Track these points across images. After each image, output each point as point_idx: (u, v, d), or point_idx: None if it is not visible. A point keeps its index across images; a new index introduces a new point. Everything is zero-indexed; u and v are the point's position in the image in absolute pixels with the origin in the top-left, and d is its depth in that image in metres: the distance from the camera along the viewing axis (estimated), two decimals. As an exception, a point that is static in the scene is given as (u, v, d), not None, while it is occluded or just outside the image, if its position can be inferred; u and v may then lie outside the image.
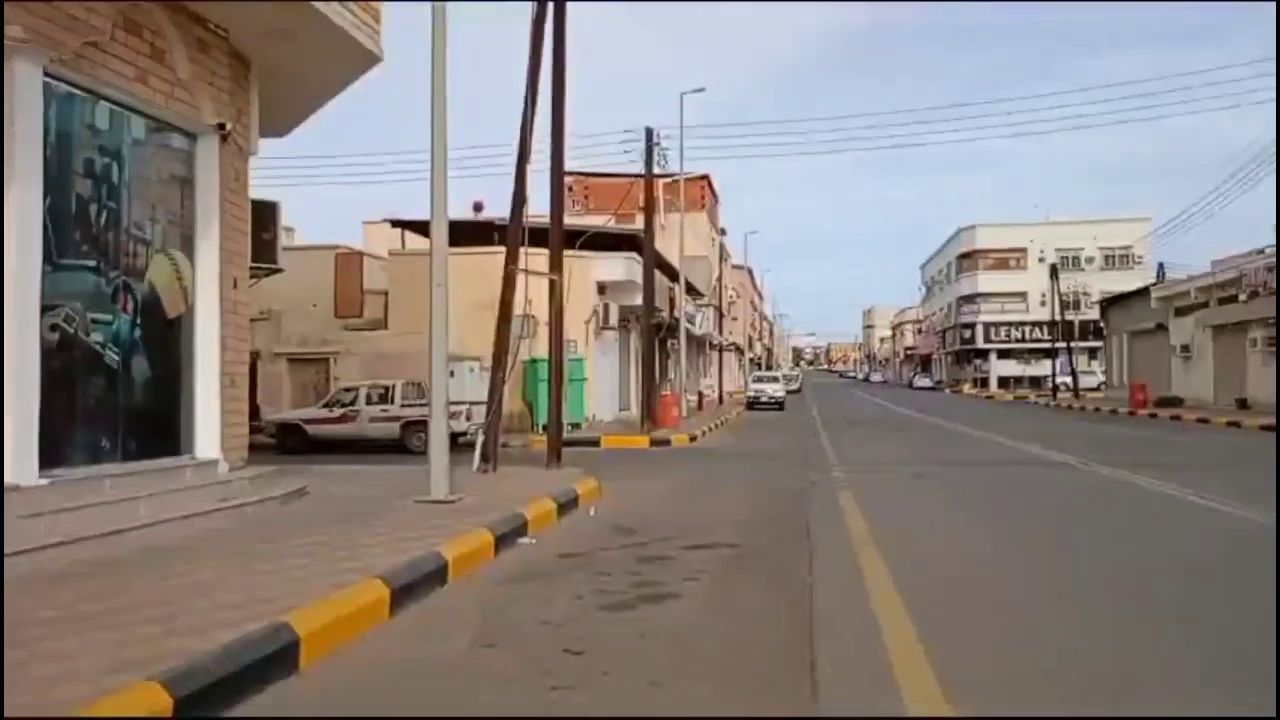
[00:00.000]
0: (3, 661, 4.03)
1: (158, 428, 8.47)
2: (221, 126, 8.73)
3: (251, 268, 10.46)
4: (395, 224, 25.67)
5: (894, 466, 15.34)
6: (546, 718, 4.07)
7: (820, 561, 7.39)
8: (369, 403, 20.25)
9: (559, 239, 13.10)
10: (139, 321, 8.10)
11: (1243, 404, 30.45)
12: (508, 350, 12.76)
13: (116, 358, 7.84)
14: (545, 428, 24.04)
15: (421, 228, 26.08)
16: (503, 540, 8.02)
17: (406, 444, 19.73)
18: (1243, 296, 30.07)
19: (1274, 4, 29.55)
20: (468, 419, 19.89)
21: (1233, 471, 14.08)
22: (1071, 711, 4.06)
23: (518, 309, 18.44)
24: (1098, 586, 6.53)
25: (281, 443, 20.25)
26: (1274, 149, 22.74)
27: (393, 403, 20.10)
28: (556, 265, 13.00)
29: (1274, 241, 29.59)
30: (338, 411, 20.23)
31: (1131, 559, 7.50)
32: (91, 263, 7.56)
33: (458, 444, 20.48)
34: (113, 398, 7.84)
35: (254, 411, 22.56)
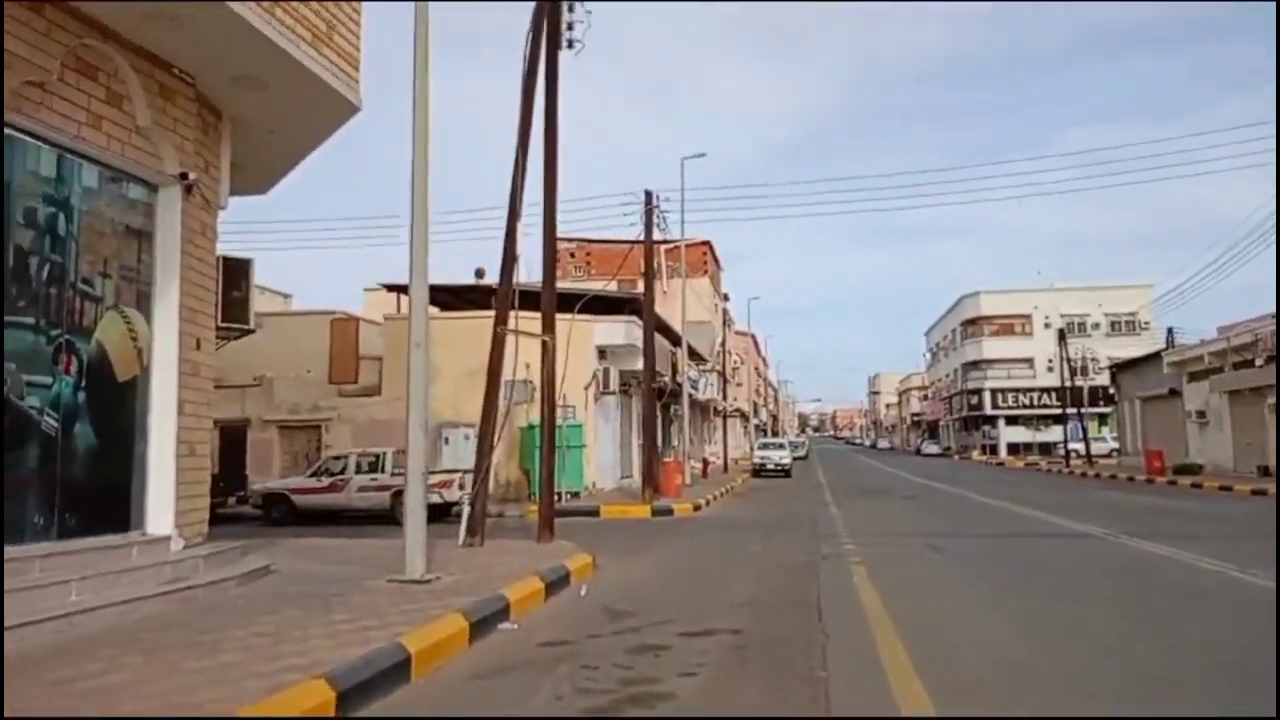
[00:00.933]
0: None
1: (103, 501, 7.70)
2: (184, 176, 8.16)
3: (220, 328, 9.82)
4: (390, 288, 25.18)
5: (908, 539, 14.44)
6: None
7: (835, 653, 6.53)
8: (358, 471, 19.45)
9: (550, 298, 12.47)
10: (84, 384, 7.41)
11: (1265, 471, 29.43)
12: (495, 416, 12.02)
13: (55, 423, 7.13)
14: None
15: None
16: (480, 626, 7.19)
17: (396, 515, 18.78)
18: (1259, 361, 29.30)
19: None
20: (461, 488, 19.06)
21: (1268, 543, 13.15)
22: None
23: (511, 373, 17.90)
24: (1152, 688, 5.68)
25: (268, 513, 19.45)
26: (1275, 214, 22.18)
27: (383, 471, 19.31)
28: (548, 326, 12.35)
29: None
30: (326, 481, 19.43)
31: (1194, 654, 6.63)
32: (29, 320, 6.90)
33: (450, 514, 19.73)
34: (50, 468, 7.10)
35: (241, 481, 21.83)
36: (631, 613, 8.28)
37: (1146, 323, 66.03)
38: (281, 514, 19.23)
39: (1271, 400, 28.91)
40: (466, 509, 11.78)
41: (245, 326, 10.00)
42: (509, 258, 12.04)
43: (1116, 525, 15.55)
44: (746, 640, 7.04)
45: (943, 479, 35.36)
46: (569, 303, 24.02)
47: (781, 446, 43.56)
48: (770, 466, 39.46)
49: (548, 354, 12.25)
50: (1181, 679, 5.83)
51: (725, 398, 51.30)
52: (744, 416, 72.05)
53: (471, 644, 6.95)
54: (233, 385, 25.20)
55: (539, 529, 12.12)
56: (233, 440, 24.25)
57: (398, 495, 19.01)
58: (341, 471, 19.48)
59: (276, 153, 10.50)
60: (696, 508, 21.19)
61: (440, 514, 19.41)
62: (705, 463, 37.79)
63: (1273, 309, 32.13)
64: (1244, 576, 9.72)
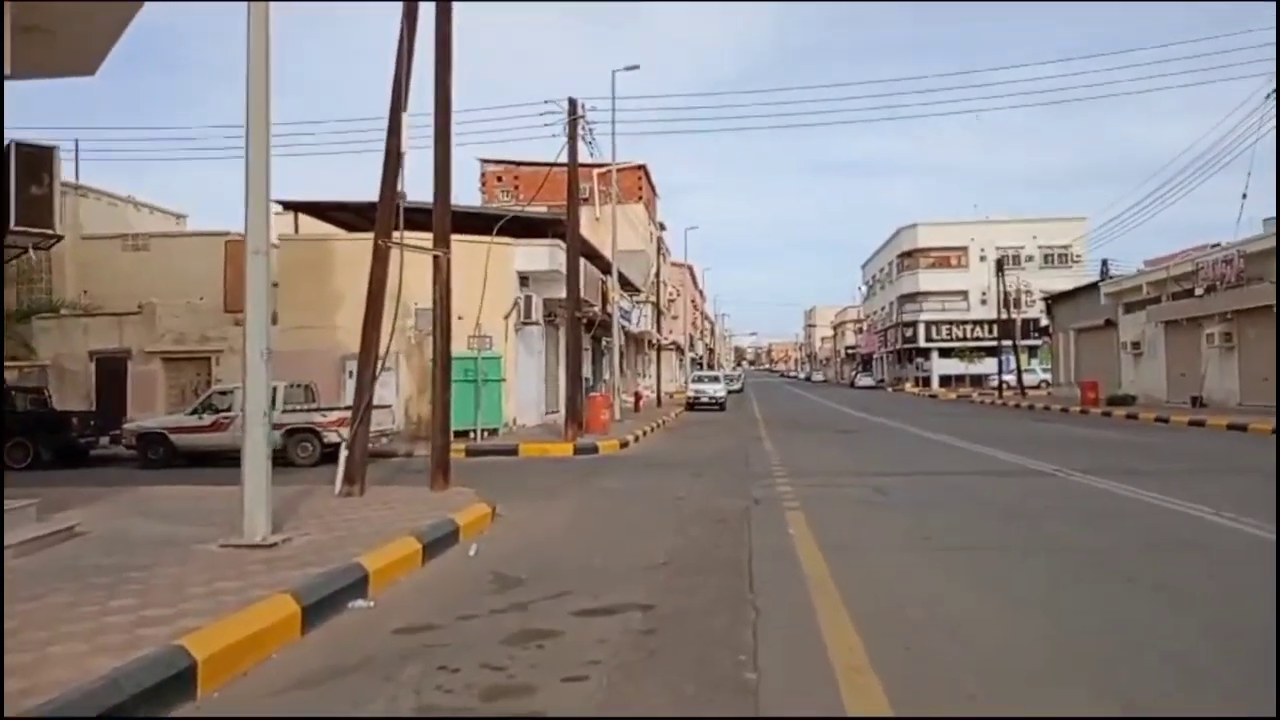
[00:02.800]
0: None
1: None
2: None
3: (14, 233, 7.83)
4: (286, 206, 22.82)
5: (849, 478, 13.22)
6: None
7: (768, 639, 5.11)
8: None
9: (444, 207, 10.62)
10: None
11: (1197, 402, 29.22)
12: (376, 344, 10.27)
13: None
14: (459, 433, 21.67)
15: (317, 210, 23.32)
16: (319, 609, 5.60)
17: (290, 455, 17.07)
18: (1199, 290, 28.82)
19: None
20: (360, 426, 17.28)
21: (1229, 481, 12.24)
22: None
23: (418, 298, 16.03)
24: (1152, 661, 4.37)
25: (144, 455, 17.45)
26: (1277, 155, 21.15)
27: (274, 407, 17.34)
28: (442, 240, 10.53)
29: (1216, 241, 28.45)
30: (208, 419, 17.47)
31: (1224, 632, 5.37)
32: None
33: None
34: None
35: (118, 419, 19.69)
36: (524, 580, 6.79)
37: (1079, 255, 66.41)
38: (159, 456, 17.26)
39: (1210, 330, 28.52)
40: (343, 453, 10.09)
41: (48, 231, 8.02)
42: (393, 158, 10.14)
43: (1067, 461, 14.57)
44: (658, 620, 5.58)
45: (878, 411, 34.64)
46: (487, 224, 22.08)
47: (716, 379, 42.44)
48: (704, 400, 38.34)
49: (440, 272, 10.47)
50: (1218, 668, 4.54)
51: (660, 330, 49.87)
52: (679, 349, 70.92)
53: (305, 633, 5.38)
54: (110, 312, 22.85)
55: (431, 474, 10.51)
56: (110, 373, 21.99)
57: (291, 434, 17.26)
58: (227, 409, 17.50)
59: (90, 20, 8.39)
60: (624, 444, 19.79)
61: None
62: (637, 397, 36.47)
63: (1209, 242, 31.75)
64: (1223, 521, 8.63)
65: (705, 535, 8.54)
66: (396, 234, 10.21)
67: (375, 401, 20.23)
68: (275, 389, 17.51)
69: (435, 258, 10.45)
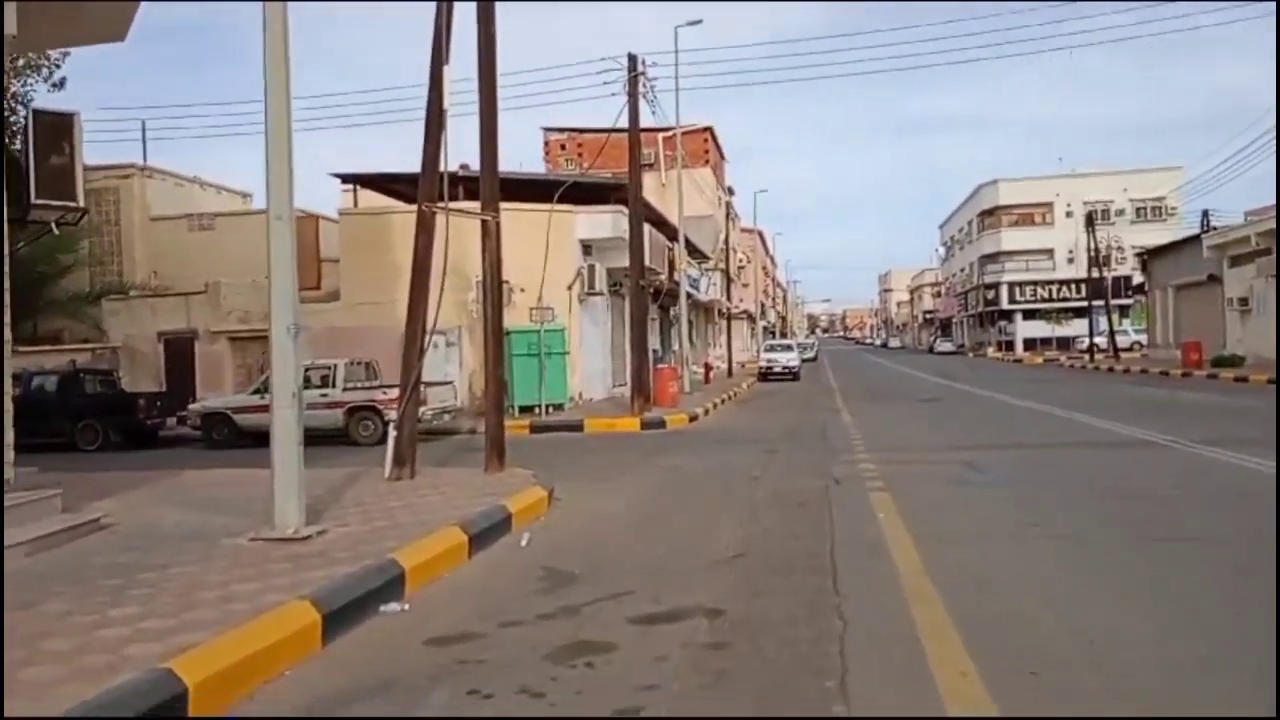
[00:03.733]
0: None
1: None
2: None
3: (35, 206, 7.36)
4: (345, 179, 22.50)
5: (936, 453, 12.19)
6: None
7: (860, 656, 4.26)
8: (307, 386, 17.13)
9: (492, 166, 9.85)
10: None
11: (1315, 362, 26.96)
12: (424, 317, 9.63)
13: None
14: (523, 409, 21.17)
15: (374, 183, 22.91)
16: (345, 614, 4.96)
17: (352, 434, 16.74)
18: (1317, 240, 26.48)
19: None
20: (422, 403, 16.83)
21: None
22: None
23: (479, 270, 15.41)
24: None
25: (209, 435, 17.32)
26: None
27: (334, 386, 17.06)
28: (490, 203, 9.78)
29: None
30: (269, 397, 17.16)
31: None
32: None
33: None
34: None
35: (185, 400, 19.67)
36: (578, 576, 6.06)
37: (1174, 208, 62.55)
38: (224, 436, 17.09)
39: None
40: (392, 434, 9.51)
41: (71, 204, 7.52)
42: (435, 116, 9.41)
43: (1180, 430, 13.22)
44: (728, 630, 4.79)
45: (962, 379, 33.06)
46: (547, 192, 21.35)
47: (789, 348, 41.20)
48: (777, 369, 37.18)
49: (489, 238, 9.74)
50: None
51: (730, 298, 48.73)
52: (750, 318, 69.59)
53: (326, 644, 4.73)
54: (175, 293, 22.90)
55: (486, 455, 9.86)
56: (178, 354, 22.05)
57: (353, 412, 16.90)
58: (289, 387, 17.22)
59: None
60: (693, 418, 18.98)
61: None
62: (708, 367, 35.55)
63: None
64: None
65: (781, 522, 7.69)
66: (452, 201, 9.54)
67: (438, 377, 19.98)
68: (335, 366, 17.29)
69: (484, 222, 9.73)
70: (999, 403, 21.08)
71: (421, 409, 17.15)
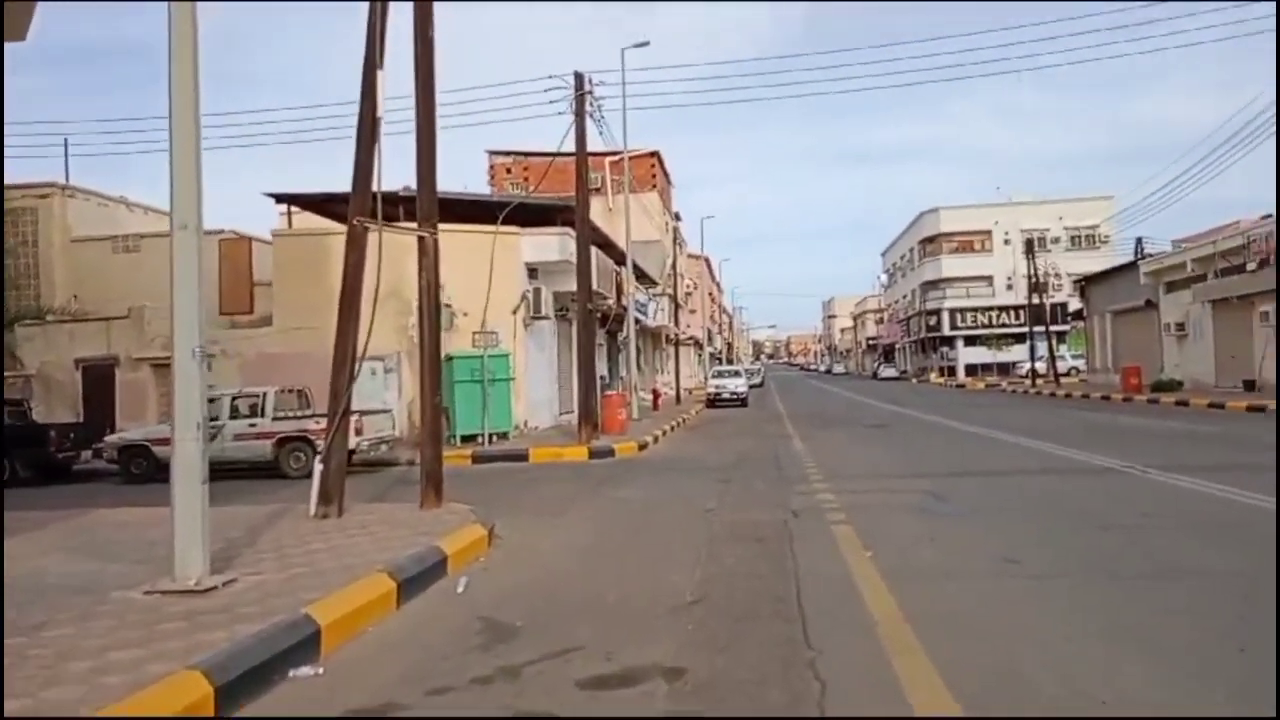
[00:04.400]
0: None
1: None
2: None
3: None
4: (279, 199, 21.55)
5: (895, 480, 11.78)
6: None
7: (845, 730, 3.70)
8: (234, 415, 16.24)
9: (429, 180, 9.20)
10: None
11: (1251, 386, 27.48)
12: (353, 343, 8.93)
13: None
14: (466, 438, 20.37)
15: (310, 203, 22.04)
16: (243, 684, 4.25)
17: (282, 466, 15.80)
18: (1250, 265, 27.06)
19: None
20: (357, 433, 15.98)
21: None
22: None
23: (410, 292, 14.67)
24: None
25: (126, 469, 16.22)
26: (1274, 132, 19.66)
27: (263, 415, 16.11)
28: (427, 217, 9.13)
29: (1273, 211, 26.69)
30: (171, 430, 16.13)
31: None
32: None
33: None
34: None
35: (101, 430, 18.49)
36: (519, 629, 5.43)
37: (1107, 236, 64.32)
38: (143, 469, 16.01)
39: (1263, 308, 26.77)
40: (317, 468, 8.74)
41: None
42: (368, 125, 8.77)
43: (1135, 455, 13.06)
44: (690, 695, 4.20)
45: (908, 404, 33.06)
46: (492, 214, 20.74)
47: (737, 374, 40.93)
48: (726, 396, 36.85)
49: (426, 256, 9.09)
50: None
51: (678, 324, 48.43)
52: (698, 344, 69.46)
53: (214, 726, 4.02)
54: (95, 318, 21.66)
55: (421, 490, 9.13)
56: (98, 382, 20.80)
57: (283, 443, 15.98)
58: (214, 418, 16.23)
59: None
60: (642, 446, 18.40)
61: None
62: (656, 394, 35.05)
63: (1241, 218, 30.00)
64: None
65: (741, 559, 7.13)
66: (394, 223, 8.85)
67: (376, 405, 19.09)
68: (265, 395, 16.37)
69: (420, 239, 9.07)
70: (949, 428, 20.90)
71: (357, 439, 16.37)
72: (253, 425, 16.01)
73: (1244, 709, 3.79)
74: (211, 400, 16.71)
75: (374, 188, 8.90)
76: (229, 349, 20.81)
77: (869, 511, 9.17)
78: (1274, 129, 20.04)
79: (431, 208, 9.14)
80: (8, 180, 25.42)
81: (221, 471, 16.19)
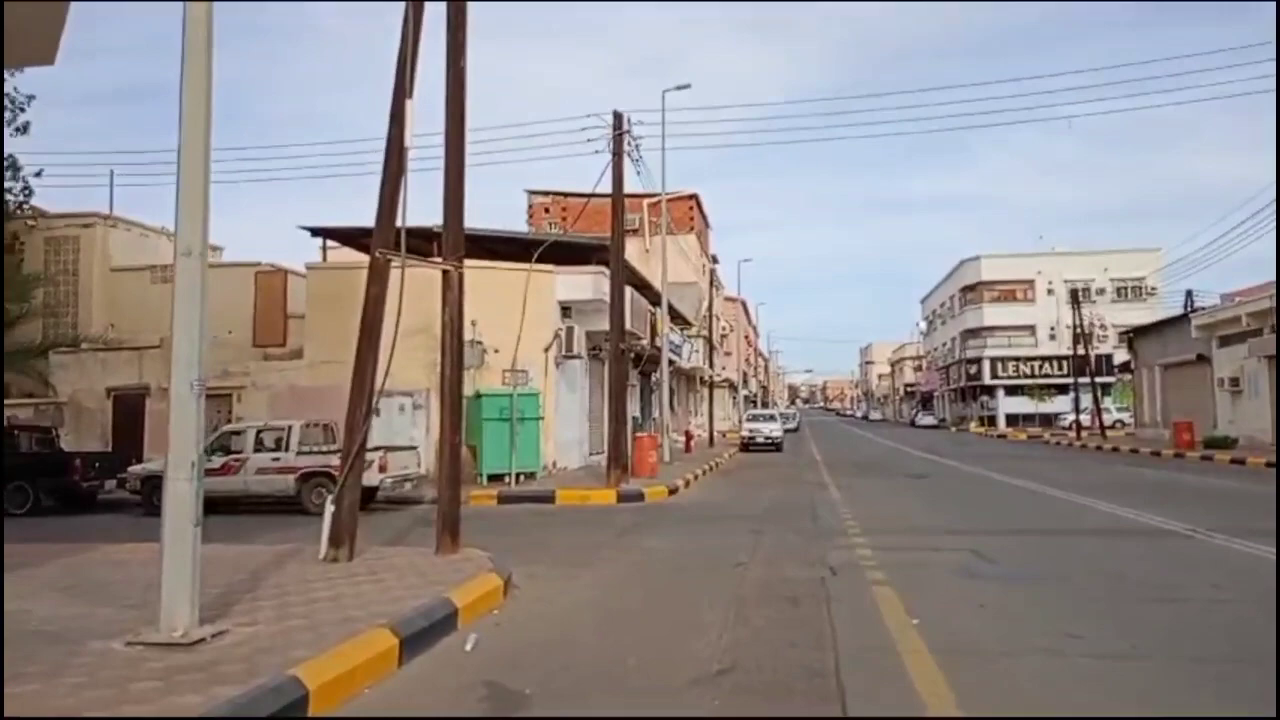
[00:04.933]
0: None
1: None
2: None
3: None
4: (314, 232, 21.54)
5: (939, 537, 11.12)
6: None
7: None
8: (258, 449, 15.99)
9: (456, 208, 8.90)
10: None
11: (1311, 444, 26.24)
12: (371, 379, 8.57)
13: None
14: (493, 478, 19.95)
15: (344, 236, 22.01)
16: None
17: (304, 502, 15.45)
18: (1311, 320, 25.99)
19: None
20: (381, 470, 15.67)
21: None
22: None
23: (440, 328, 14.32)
24: None
25: (148, 500, 15.95)
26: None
27: (287, 449, 15.84)
28: (453, 250, 8.81)
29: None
30: (218, 461, 15.95)
31: None
32: None
33: (372, 501, 16.34)
34: None
35: (127, 459, 18.35)
36: (529, 698, 4.94)
37: (1154, 288, 63.02)
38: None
39: (1324, 366, 25.64)
40: (329, 508, 8.34)
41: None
42: (396, 152, 8.51)
43: (1192, 517, 12.27)
44: (714, 791, 3.66)
45: (948, 454, 32.13)
46: (527, 251, 20.52)
47: (772, 418, 40.21)
48: (760, 440, 36.16)
49: (450, 291, 8.75)
50: None
51: (712, 366, 47.91)
52: (733, 387, 68.78)
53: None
54: (128, 347, 21.68)
55: (437, 535, 8.68)
56: (129, 411, 20.74)
57: (305, 479, 15.67)
58: (239, 450, 16.02)
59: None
60: (673, 491, 17.85)
61: (362, 502, 16.03)
62: (689, 436, 34.47)
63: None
64: None
65: (773, 624, 6.57)
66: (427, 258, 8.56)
67: (403, 441, 18.77)
68: (290, 428, 16.12)
69: (445, 273, 8.74)
70: (991, 481, 20.09)
71: (381, 476, 16.04)
72: (276, 459, 15.74)
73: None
74: (237, 433, 16.57)
75: (399, 220, 8.60)
76: (259, 381, 20.70)
77: (911, 571, 8.56)
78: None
79: (457, 241, 8.82)
80: (53, 209, 25.80)
81: (244, 506, 15.97)
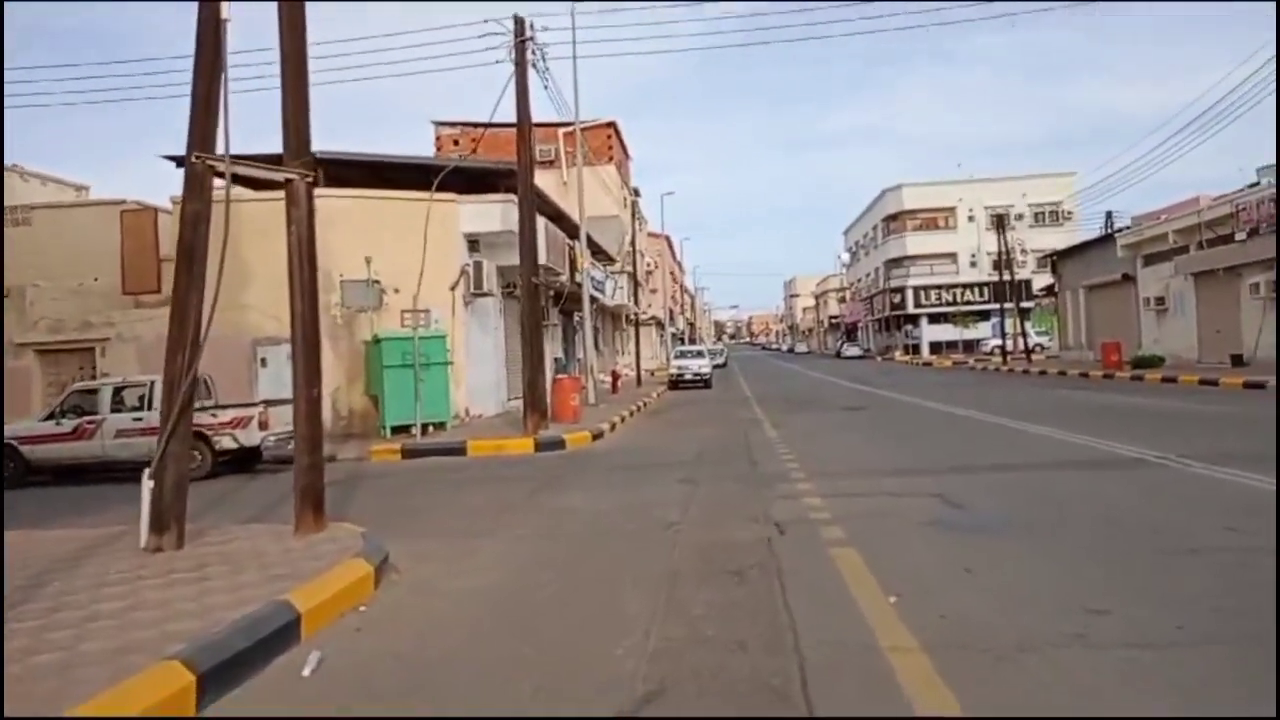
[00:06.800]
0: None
1: None
2: None
3: None
4: (179, 161, 19.04)
5: (893, 479, 9.85)
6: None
7: None
8: (116, 409, 13.92)
9: (299, 96, 7.00)
10: None
11: (1238, 361, 26.15)
12: (197, 316, 6.76)
13: None
14: (396, 429, 18.17)
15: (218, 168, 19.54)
16: None
17: (173, 468, 13.46)
18: (1240, 235, 25.65)
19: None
20: (263, 427, 13.81)
21: None
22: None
23: (344, 267, 12.26)
24: None
25: (-10, 473, 13.79)
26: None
27: (151, 408, 13.79)
28: (296, 152, 6.94)
29: (1273, 178, 25.33)
30: (69, 424, 13.85)
31: None
32: None
33: (259, 463, 14.44)
34: None
35: (-31, 428, 15.98)
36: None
37: (1070, 212, 63.73)
38: (11, 472, 13.64)
39: (1253, 280, 25.38)
40: (146, 486, 6.56)
41: None
42: (210, 26, 6.56)
43: (1156, 443, 11.32)
44: None
45: (879, 384, 31.38)
46: (426, 179, 18.53)
47: (700, 355, 39.03)
48: (689, 377, 35.00)
49: (297, 207, 6.92)
50: None
51: (638, 303, 46.34)
52: (659, 324, 67.43)
53: None
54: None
55: (296, 510, 7.00)
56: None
57: (173, 440, 13.60)
58: (92, 410, 13.92)
59: None
60: (597, 436, 16.38)
61: (242, 464, 14.15)
62: (615, 376, 33.05)
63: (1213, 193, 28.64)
64: None
65: (714, 612, 5.11)
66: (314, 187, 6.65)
67: (287, 395, 16.81)
68: (151, 384, 14.03)
69: (288, 184, 6.90)
70: (930, 410, 19.15)
71: (264, 434, 14.14)
72: (138, 420, 13.72)
73: None
74: (91, 392, 14.41)
75: (221, 121, 6.71)
76: (125, 332, 18.40)
77: (873, 525, 7.24)
78: (1233, 113, 18.33)
79: (302, 141, 6.97)
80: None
81: (101, 473, 13.94)
